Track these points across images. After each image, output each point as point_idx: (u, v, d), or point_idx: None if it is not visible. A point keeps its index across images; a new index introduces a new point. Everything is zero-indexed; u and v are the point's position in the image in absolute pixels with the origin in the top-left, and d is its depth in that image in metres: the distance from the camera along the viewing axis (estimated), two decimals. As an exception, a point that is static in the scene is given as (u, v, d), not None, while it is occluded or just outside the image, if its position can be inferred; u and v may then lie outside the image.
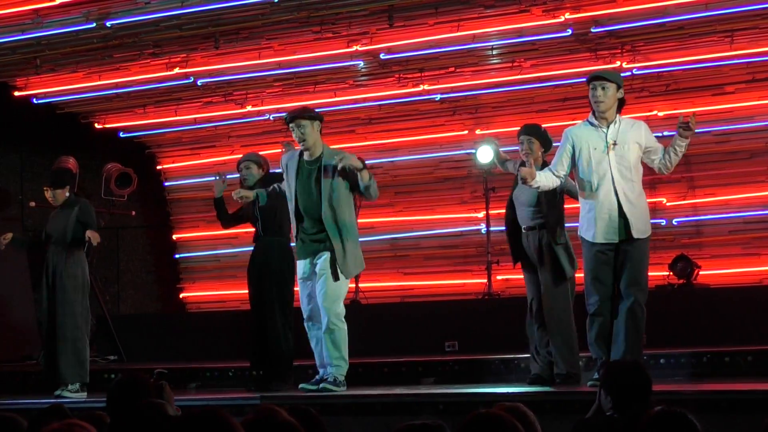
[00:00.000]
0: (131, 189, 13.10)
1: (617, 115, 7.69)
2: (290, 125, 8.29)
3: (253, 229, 9.40)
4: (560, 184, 7.92)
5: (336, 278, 8.13)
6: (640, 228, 7.53)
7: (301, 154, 8.36)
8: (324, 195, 8.14)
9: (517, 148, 8.61)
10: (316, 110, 8.57)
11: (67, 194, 9.69)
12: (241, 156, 9.69)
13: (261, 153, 13.80)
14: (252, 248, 9.39)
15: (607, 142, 7.58)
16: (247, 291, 9.28)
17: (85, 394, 9.36)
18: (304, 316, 8.40)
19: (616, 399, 4.86)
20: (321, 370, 8.31)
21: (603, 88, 7.66)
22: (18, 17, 11.36)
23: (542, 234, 8.31)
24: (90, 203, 9.95)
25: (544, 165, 8.25)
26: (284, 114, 11.32)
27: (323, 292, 8.13)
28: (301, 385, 8.37)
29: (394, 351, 10.37)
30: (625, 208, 7.50)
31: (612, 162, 7.56)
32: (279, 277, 9.00)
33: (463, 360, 9.63)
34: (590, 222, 7.61)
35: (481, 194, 12.75)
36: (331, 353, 8.16)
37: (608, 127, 7.63)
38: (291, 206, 8.35)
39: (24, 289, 13.10)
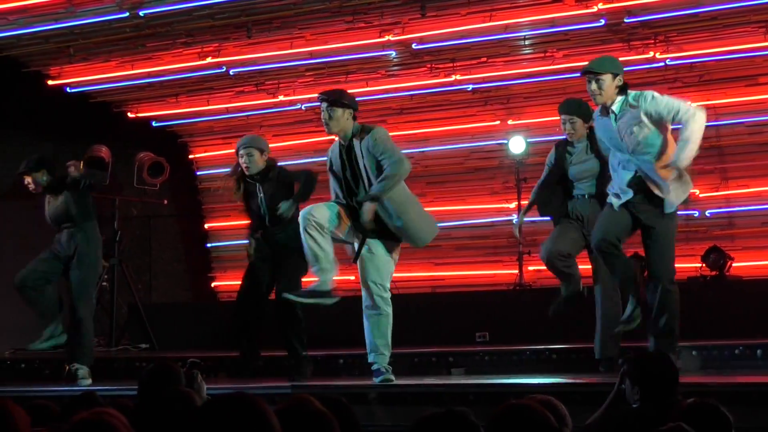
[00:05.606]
0: (163, 178, 13.15)
1: (622, 97, 7.35)
2: (321, 104, 7.92)
3: None
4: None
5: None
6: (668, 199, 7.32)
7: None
8: (362, 172, 7.90)
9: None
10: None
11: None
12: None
13: (292, 143, 13.86)
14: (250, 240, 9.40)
15: (619, 133, 7.35)
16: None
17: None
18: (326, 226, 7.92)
19: (644, 390, 4.85)
20: None
21: (597, 81, 7.33)
22: (51, 6, 11.40)
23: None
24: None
25: (590, 137, 8.10)
26: (316, 104, 11.31)
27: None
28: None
29: (424, 341, 10.36)
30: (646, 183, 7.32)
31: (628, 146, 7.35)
32: (297, 260, 8.72)
33: (493, 350, 9.61)
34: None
35: (512, 185, 12.75)
36: None
37: (613, 115, 7.37)
38: (340, 193, 8.08)
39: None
